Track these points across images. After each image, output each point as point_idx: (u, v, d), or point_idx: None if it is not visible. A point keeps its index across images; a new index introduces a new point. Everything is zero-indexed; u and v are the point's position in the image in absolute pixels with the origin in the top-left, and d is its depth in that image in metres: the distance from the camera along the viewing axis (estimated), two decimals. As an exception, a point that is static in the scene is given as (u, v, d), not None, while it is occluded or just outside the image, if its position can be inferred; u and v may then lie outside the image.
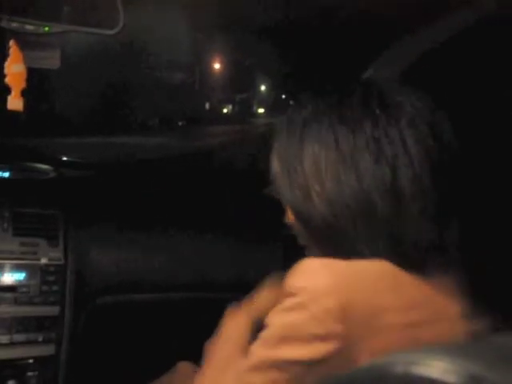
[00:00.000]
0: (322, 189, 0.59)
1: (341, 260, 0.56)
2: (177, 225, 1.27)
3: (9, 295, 1.04)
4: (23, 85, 0.78)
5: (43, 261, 1.09)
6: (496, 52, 0.89)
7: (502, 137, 0.94)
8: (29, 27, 0.73)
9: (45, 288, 1.07)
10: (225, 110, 1.50)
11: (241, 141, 1.40)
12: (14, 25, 0.73)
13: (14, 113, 0.77)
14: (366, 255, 0.57)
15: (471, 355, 0.30)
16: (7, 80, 0.77)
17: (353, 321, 0.52)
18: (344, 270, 0.55)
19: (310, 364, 0.53)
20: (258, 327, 0.74)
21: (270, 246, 1.30)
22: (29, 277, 1.06)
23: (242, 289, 0.82)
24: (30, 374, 1.03)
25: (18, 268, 1.06)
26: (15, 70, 0.77)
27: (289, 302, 0.55)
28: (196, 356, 0.74)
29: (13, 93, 0.77)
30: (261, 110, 1.49)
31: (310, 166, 0.61)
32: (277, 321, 0.56)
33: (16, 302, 1.04)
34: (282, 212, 0.69)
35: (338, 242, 0.59)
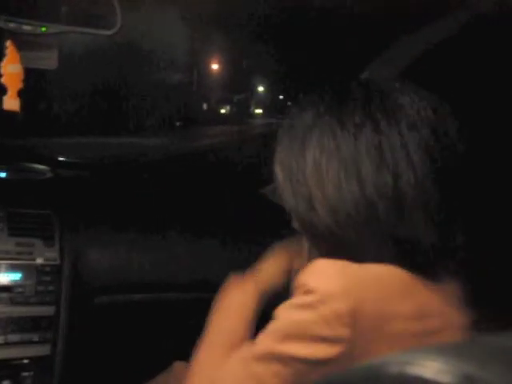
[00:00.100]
0: (323, 196, 0.59)
1: (354, 263, 0.56)
2: (174, 225, 1.27)
3: (4, 295, 1.03)
4: (20, 85, 0.78)
5: (39, 261, 1.08)
6: (495, 52, 0.89)
7: (503, 137, 0.94)
8: (26, 27, 0.73)
9: (40, 288, 1.06)
10: (222, 111, 1.50)
11: (239, 141, 1.40)
12: (12, 25, 0.73)
13: (10, 113, 0.77)
14: (370, 262, 0.56)
15: (465, 355, 0.30)
16: (3, 80, 0.76)
17: (362, 326, 0.52)
18: (356, 273, 0.55)
19: (313, 363, 0.53)
20: (265, 301, 0.75)
21: (268, 246, 1.30)
22: (24, 277, 1.06)
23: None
24: (25, 374, 1.02)
25: (13, 268, 1.06)
26: (12, 70, 0.76)
27: (300, 299, 0.55)
28: (192, 356, 0.74)
29: (9, 93, 0.77)
30: (258, 111, 1.49)
31: (312, 173, 0.60)
32: (286, 316, 0.56)
33: (12, 302, 1.04)
34: (281, 212, 0.69)
35: (341, 249, 0.59)
